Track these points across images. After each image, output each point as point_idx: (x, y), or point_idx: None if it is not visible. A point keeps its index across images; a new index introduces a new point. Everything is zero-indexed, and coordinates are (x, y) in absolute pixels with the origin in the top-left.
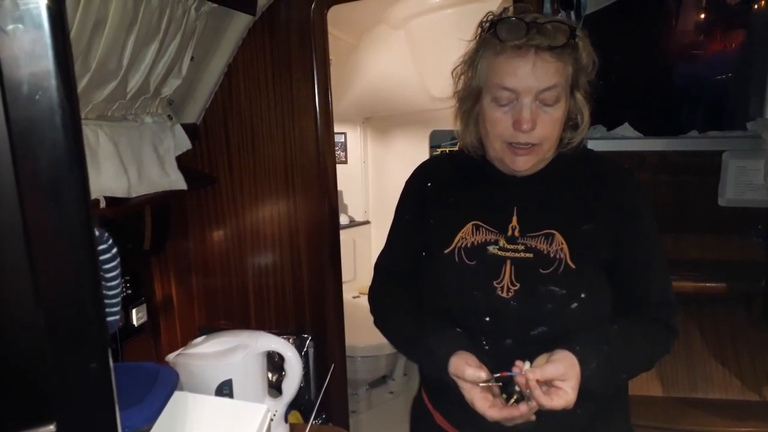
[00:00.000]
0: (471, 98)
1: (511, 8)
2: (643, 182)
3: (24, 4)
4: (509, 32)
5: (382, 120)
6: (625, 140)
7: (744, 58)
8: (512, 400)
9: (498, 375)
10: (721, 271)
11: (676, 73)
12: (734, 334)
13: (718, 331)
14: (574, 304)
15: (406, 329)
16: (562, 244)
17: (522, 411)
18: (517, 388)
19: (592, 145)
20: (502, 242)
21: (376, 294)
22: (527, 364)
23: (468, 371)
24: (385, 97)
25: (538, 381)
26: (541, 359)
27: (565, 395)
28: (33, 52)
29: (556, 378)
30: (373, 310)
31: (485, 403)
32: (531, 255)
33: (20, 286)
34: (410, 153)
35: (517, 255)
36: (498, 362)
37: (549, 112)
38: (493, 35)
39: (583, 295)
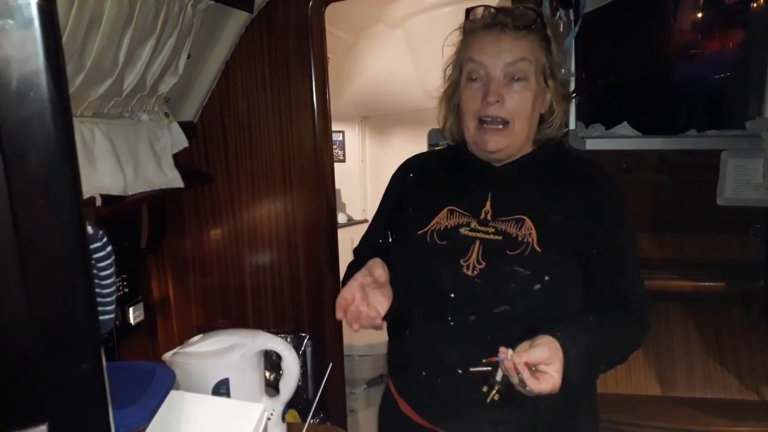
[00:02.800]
0: (453, 86)
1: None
2: (642, 181)
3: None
4: (479, 12)
5: (380, 118)
6: (624, 139)
7: (743, 58)
8: (493, 392)
9: (485, 360)
10: (720, 270)
11: (675, 72)
12: (733, 334)
13: (717, 330)
14: (537, 286)
15: (348, 274)
16: (531, 229)
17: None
18: (498, 378)
19: (591, 143)
20: (473, 224)
21: (345, 272)
22: (511, 351)
23: (376, 267)
24: (383, 96)
25: (526, 364)
26: (523, 345)
27: (551, 378)
28: (23, 49)
29: (542, 362)
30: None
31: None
32: (500, 237)
33: (11, 286)
34: (408, 151)
35: (486, 237)
36: (463, 337)
37: (518, 90)
38: (467, 21)
39: (546, 278)
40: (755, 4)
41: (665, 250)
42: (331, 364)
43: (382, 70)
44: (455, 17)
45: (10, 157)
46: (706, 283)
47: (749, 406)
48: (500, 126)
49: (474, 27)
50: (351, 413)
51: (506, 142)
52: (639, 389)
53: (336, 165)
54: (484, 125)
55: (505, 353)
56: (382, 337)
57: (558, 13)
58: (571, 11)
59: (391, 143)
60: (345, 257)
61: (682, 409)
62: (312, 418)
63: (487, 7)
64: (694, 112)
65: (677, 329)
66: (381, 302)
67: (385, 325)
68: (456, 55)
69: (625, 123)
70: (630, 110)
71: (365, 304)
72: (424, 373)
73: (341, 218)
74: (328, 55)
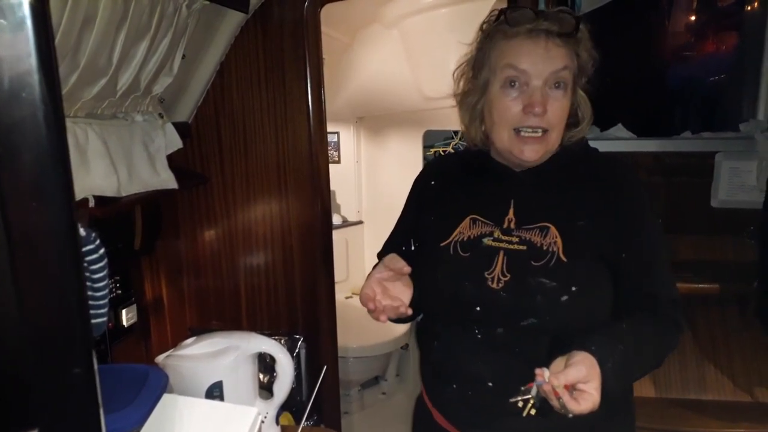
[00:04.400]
0: (477, 91)
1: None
2: None
3: None
4: (520, 16)
5: (376, 119)
6: (619, 141)
7: (737, 60)
8: (529, 406)
9: (524, 388)
10: (714, 272)
11: (670, 74)
12: (727, 335)
13: (711, 332)
14: (564, 297)
15: None
16: (556, 237)
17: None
18: (533, 393)
19: None
20: (497, 234)
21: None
22: (547, 372)
23: (394, 260)
24: (378, 97)
25: (566, 387)
26: (558, 363)
27: (590, 397)
28: (15, 49)
29: (580, 380)
30: None
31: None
32: (524, 247)
33: (2, 289)
34: (403, 153)
35: (510, 247)
36: (490, 350)
37: (558, 98)
38: (502, 22)
39: (574, 289)
40: (749, 7)
41: None
42: (325, 367)
43: (377, 71)
44: (451, 18)
45: (1, 158)
46: (700, 285)
47: (743, 408)
48: (539, 134)
49: (516, 32)
50: (345, 415)
51: (543, 151)
52: (633, 391)
53: (331, 166)
54: (522, 134)
55: (542, 376)
56: (376, 339)
57: None
58: None
59: (387, 144)
60: (340, 259)
61: (677, 410)
62: (306, 420)
63: (527, 8)
64: (689, 114)
65: None
66: (403, 291)
67: (410, 311)
68: (479, 57)
69: (619, 125)
70: (625, 112)
71: (387, 297)
72: (454, 385)
73: (336, 219)
74: (324, 55)
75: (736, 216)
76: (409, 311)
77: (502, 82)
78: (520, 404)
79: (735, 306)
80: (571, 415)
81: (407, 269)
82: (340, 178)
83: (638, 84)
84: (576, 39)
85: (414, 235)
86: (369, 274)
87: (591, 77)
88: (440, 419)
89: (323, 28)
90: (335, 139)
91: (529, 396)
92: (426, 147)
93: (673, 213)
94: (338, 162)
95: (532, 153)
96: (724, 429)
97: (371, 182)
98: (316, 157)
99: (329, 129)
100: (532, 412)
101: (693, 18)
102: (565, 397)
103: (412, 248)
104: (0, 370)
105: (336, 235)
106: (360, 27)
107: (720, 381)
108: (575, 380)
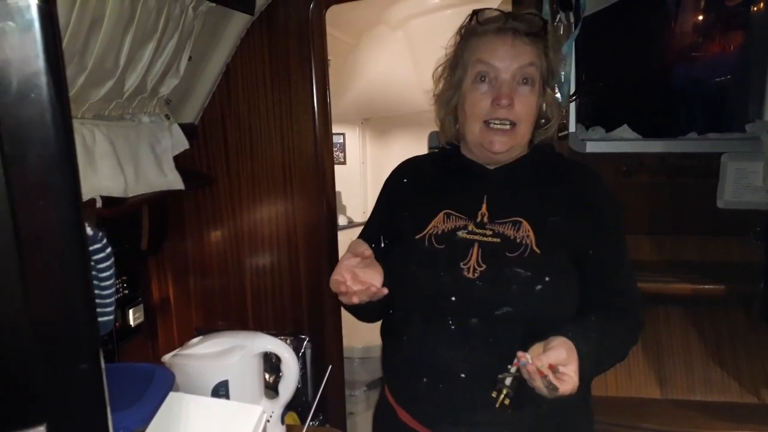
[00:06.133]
0: (452, 88)
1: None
2: (642, 184)
3: (14, 1)
4: (489, 16)
5: (381, 121)
6: (624, 142)
7: (743, 60)
8: (502, 396)
9: (509, 366)
10: (720, 273)
11: (675, 74)
12: (733, 336)
13: (717, 333)
14: (539, 287)
15: None
16: (528, 231)
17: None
18: (507, 383)
19: (591, 146)
20: (471, 227)
21: None
22: (528, 355)
23: (357, 245)
24: (383, 98)
25: (550, 366)
26: (536, 348)
27: (570, 379)
28: (23, 51)
29: (560, 363)
30: None
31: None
32: (498, 240)
33: (11, 287)
34: (409, 154)
35: (485, 239)
36: (464, 340)
37: (525, 94)
38: (474, 23)
39: (547, 279)
40: (755, 7)
41: (665, 252)
42: (330, 366)
43: (382, 73)
44: (456, 19)
45: (10, 158)
46: (705, 286)
47: (749, 409)
48: (507, 127)
49: (485, 30)
50: (350, 416)
51: (511, 143)
52: (639, 392)
53: (336, 167)
54: (491, 126)
55: (525, 358)
56: (381, 339)
57: (558, 16)
58: (571, 14)
59: (392, 145)
60: None
61: (682, 411)
62: (311, 420)
63: (496, 10)
64: (694, 114)
65: (677, 332)
66: (373, 276)
67: (386, 291)
68: (455, 57)
69: (625, 126)
70: (630, 113)
71: (357, 283)
72: (425, 379)
73: (341, 220)
74: (329, 57)
75: (741, 217)
76: (384, 290)
77: (473, 78)
78: (494, 394)
79: (741, 307)
80: (553, 396)
81: (368, 252)
82: (345, 179)
83: (643, 85)
84: (543, 39)
85: (384, 232)
86: (338, 263)
87: (602, 76)
88: (405, 416)
89: (329, 30)
90: (341, 140)
91: (507, 384)
92: (431, 148)
93: (678, 214)
94: (344, 163)
95: (500, 145)
96: (731, 430)
97: (377, 183)
98: (322, 158)
99: (335, 130)
100: (506, 402)
101: (699, 18)
102: (551, 377)
103: (382, 245)
104: (8, 367)
105: (341, 235)
106: (365, 28)
107: (726, 382)
108: (557, 362)
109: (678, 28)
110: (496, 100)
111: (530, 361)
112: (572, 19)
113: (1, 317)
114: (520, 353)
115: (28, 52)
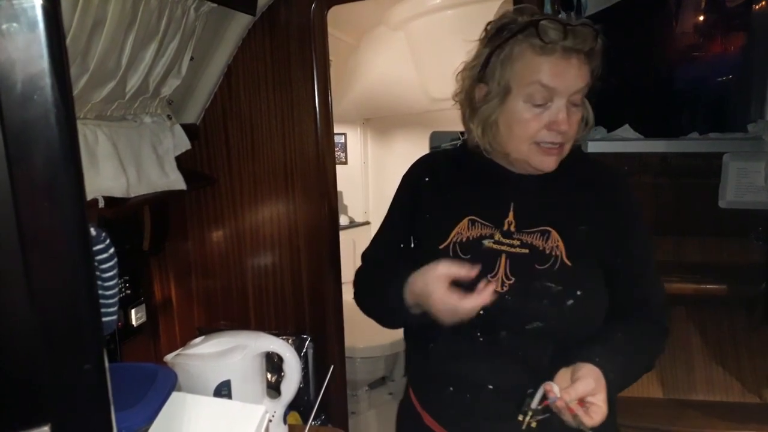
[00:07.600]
0: (492, 101)
1: (512, 9)
2: (644, 184)
3: (19, 2)
4: (554, 33)
5: (382, 121)
6: (626, 142)
7: (745, 60)
8: (528, 417)
9: (530, 391)
10: (722, 273)
11: (677, 74)
12: (735, 337)
13: (719, 333)
14: (570, 301)
15: (380, 281)
16: (558, 241)
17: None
18: (533, 406)
19: (593, 146)
20: (497, 236)
21: (358, 274)
22: (556, 387)
23: (440, 266)
24: (385, 98)
25: (579, 402)
26: (563, 375)
27: (599, 410)
28: (28, 51)
29: (588, 394)
30: (354, 286)
31: (454, 296)
32: (527, 250)
33: (15, 287)
34: (410, 154)
35: (512, 250)
36: (492, 353)
37: (577, 114)
38: (531, 36)
39: (579, 293)
40: (757, 7)
41: (667, 253)
42: (332, 366)
43: (384, 73)
44: (457, 20)
45: (14, 158)
46: (707, 286)
47: (751, 409)
48: (557, 147)
49: (549, 49)
50: (352, 415)
51: (559, 160)
52: (641, 392)
53: (338, 167)
54: (542, 146)
55: (552, 392)
56: (383, 339)
57: (560, 16)
58: (572, 14)
59: (393, 146)
60: (347, 259)
61: (684, 411)
62: (313, 419)
63: (555, 20)
64: (696, 114)
65: (679, 332)
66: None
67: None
68: (499, 66)
69: (626, 126)
70: (632, 113)
71: (463, 296)
72: (451, 388)
73: (343, 220)
74: (330, 57)
75: (743, 217)
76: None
77: (526, 98)
78: (520, 417)
79: (743, 307)
80: (585, 429)
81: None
82: (347, 179)
83: (645, 84)
84: (595, 53)
85: (412, 232)
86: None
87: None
88: (431, 422)
89: (330, 30)
90: (342, 141)
91: (539, 407)
92: (433, 148)
93: (680, 214)
94: (345, 163)
95: (551, 163)
96: (732, 430)
97: (378, 183)
98: (323, 158)
99: (336, 130)
100: (533, 424)
101: (700, 18)
102: (580, 413)
103: (411, 245)
104: (12, 367)
105: (343, 235)
106: (366, 29)
107: (728, 382)
108: (585, 394)
109: (679, 27)
110: (554, 125)
111: (558, 395)
112: (574, 19)
113: (6, 318)
114: (547, 387)
115: (33, 52)
